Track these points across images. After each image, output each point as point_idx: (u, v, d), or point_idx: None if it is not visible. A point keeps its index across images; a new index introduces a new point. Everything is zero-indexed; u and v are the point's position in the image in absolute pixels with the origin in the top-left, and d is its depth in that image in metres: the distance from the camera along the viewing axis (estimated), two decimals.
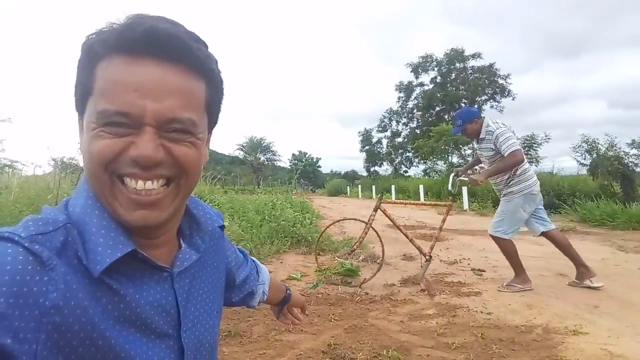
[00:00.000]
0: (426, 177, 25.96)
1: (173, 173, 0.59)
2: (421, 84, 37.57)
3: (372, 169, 44.38)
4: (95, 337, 0.53)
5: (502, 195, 4.26)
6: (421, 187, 18.79)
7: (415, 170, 36.70)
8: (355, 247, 4.70)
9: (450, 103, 34.21)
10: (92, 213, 0.59)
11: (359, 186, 32.70)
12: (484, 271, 4.90)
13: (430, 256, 4.46)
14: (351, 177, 53.81)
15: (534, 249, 6.15)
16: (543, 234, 4.22)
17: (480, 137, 4.23)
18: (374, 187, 28.17)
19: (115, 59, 0.55)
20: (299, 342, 2.87)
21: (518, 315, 3.38)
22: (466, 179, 4.33)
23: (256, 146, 51.97)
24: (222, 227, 0.85)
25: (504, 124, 4.14)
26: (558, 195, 12.32)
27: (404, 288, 4.20)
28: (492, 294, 3.98)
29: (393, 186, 23.66)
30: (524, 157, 4.08)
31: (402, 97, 38.74)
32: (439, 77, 36.06)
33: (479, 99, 34.12)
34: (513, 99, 33.37)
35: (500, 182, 4.25)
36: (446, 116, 34.61)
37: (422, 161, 28.94)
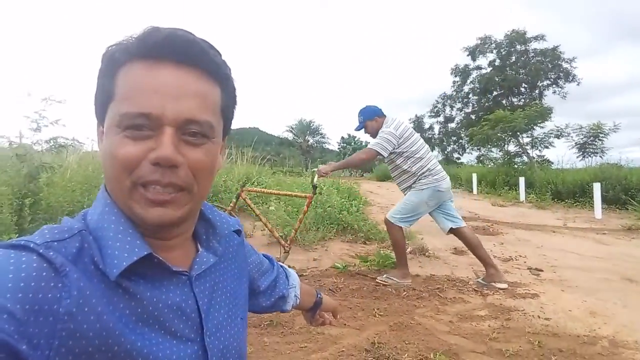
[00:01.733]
0: (480, 165, 24.95)
1: (186, 184, 0.60)
2: (478, 68, 35.93)
3: None
4: (111, 343, 0.52)
5: (408, 190, 4.17)
6: (474, 175, 18.04)
7: (468, 158, 35.38)
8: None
9: (509, 88, 32.61)
10: (109, 219, 0.60)
11: None
12: (542, 271, 4.59)
13: (290, 247, 4.34)
14: None
15: (598, 248, 5.73)
16: (452, 230, 4.11)
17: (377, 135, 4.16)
18: None
19: (136, 64, 0.58)
20: (342, 337, 2.78)
21: (580, 323, 3.11)
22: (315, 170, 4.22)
23: (305, 128, 52.20)
24: (239, 232, 0.85)
25: (398, 132, 4.03)
26: (625, 190, 11.40)
27: (451, 285, 4.00)
28: (550, 296, 3.70)
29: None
30: (373, 158, 4.13)
31: (457, 81, 37.28)
32: (497, 60, 34.31)
33: (540, 84, 32.27)
34: (578, 84, 31.17)
35: (404, 183, 4.19)
36: (504, 101, 33.07)
37: (475, 148, 27.88)
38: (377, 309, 3.28)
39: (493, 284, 3.91)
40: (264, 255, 1.02)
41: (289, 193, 5.04)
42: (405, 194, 4.19)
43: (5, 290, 0.46)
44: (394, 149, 4.00)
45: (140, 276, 0.59)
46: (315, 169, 4.11)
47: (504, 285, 3.90)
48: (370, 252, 5.09)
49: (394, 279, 3.97)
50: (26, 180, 3.27)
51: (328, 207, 6.29)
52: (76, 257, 0.54)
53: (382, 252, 4.72)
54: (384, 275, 4.04)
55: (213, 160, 0.64)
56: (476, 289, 3.86)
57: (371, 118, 4.17)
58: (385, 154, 4.02)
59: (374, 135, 4.20)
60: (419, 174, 4.01)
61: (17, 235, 2.93)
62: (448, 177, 4.14)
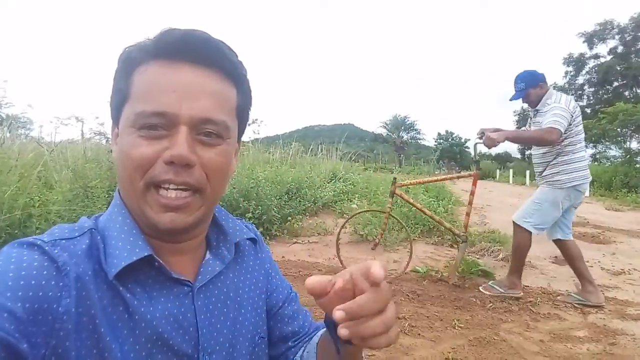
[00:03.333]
0: (595, 164, 22.55)
1: (200, 185, 0.59)
2: (596, 56, 32.62)
3: (527, 152, 40.45)
4: (102, 347, 0.51)
5: (542, 181, 3.60)
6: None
7: None
8: (377, 239, 4.26)
9: (633, 77, 29.10)
10: (116, 219, 0.61)
11: (511, 170, 29.96)
12: None
13: (465, 236, 3.89)
14: (503, 159, 49.74)
15: None
16: (556, 241, 3.64)
17: (537, 107, 3.58)
18: (528, 172, 25.45)
19: (152, 63, 0.58)
20: (414, 348, 2.60)
21: None
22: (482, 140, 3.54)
23: (399, 124, 51.71)
24: (255, 241, 0.80)
25: (571, 107, 3.38)
26: None
27: (546, 299, 3.57)
28: None
29: None
30: (557, 139, 3.33)
31: (570, 71, 34.23)
32: (620, 47, 30.74)
33: None
34: None
35: (542, 164, 3.59)
36: (626, 93, 29.58)
37: (590, 145, 25.29)
38: (458, 320, 3.03)
39: (586, 302, 3.41)
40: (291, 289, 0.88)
41: (446, 177, 4.56)
42: (539, 185, 3.67)
43: (6, 288, 0.46)
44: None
45: (140, 282, 0.58)
46: (479, 139, 3.60)
47: (600, 302, 3.41)
48: (454, 257, 4.77)
49: (500, 288, 3.59)
50: None
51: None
52: (84, 255, 0.55)
53: (469, 257, 4.39)
54: (490, 283, 3.70)
55: (227, 162, 0.63)
56: (575, 304, 3.41)
57: (534, 85, 3.58)
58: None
59: (533, 105, 3.66)
60: (569, 162, 3.46)
61: None
62: (589, 177, 3.55)
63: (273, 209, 5.29)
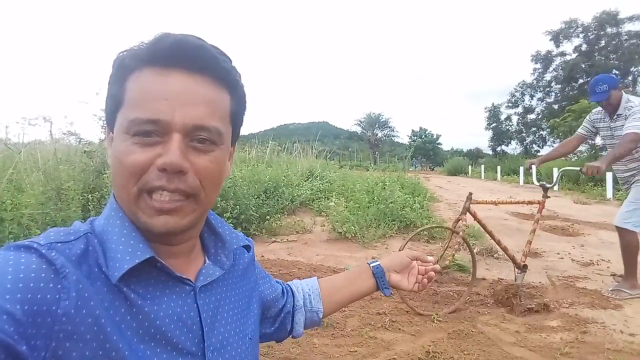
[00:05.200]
0: (563, 159, 23.25)
1: (193, 190, 0.59)
2: (562, 54, 33.72)
3: (498, 148, 41.44)
4: (108, 347, 0.52)
5: (633, 182, 3.63)
6: (555, 170, 16.76)
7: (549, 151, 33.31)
8: (447, 263, 3.58)
9: (597, 75, 30.15)
10: (114, 223, 0.61)
11: (482, 166, 30.63)
12: None
13: (525, 265, 3.48)
14: (474, 155, 50.82)
15: None
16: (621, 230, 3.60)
17: (618, 112, 3.57)
18: (499, 167, 26.11)
19: (145, 70, 0.58)
20: (395, 343, 2.64)
21: None
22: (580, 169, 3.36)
23: (374, 122, 52.23)
24: (249, 248, 0.83)
25: None
26: None
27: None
28: (637, 309, 3.29)
29: (521, 167, 21.64)
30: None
31: (538, 68, 35.28)
32: (584, 45, 31.88)
33: (634, 69, 29.48)
34: None
35: (629, 170, 3.62)
36: None
37: (558, 141, 26.12)
38: (436, 314, 3.10)
39: (626, 290, 3.56)
40: (276, 281, 0.98)
41: (518, 202, 3.97)
42: (632, 187, 3.66)
43: (5, 291, 0.46)
44: None
45: (142, 283, 0.59)
46: (580, 167, 3.35)
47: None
48: (433, 252, 4.85)
49: (625, 290, 3.59)
50: (93, 175, 3.49)
51: (390, 203, 6.10)
52: (80, 259, 0.55)
53: (447, 252, 4.47)
54: (611, 288, 3.67)
55: (220, 168, 0.64)
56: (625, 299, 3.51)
57: (616, 86, 3.56)
58: None
59: (613, 108, 3.62)
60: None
61: None
62: None
63: (251, 208, 5.27)
